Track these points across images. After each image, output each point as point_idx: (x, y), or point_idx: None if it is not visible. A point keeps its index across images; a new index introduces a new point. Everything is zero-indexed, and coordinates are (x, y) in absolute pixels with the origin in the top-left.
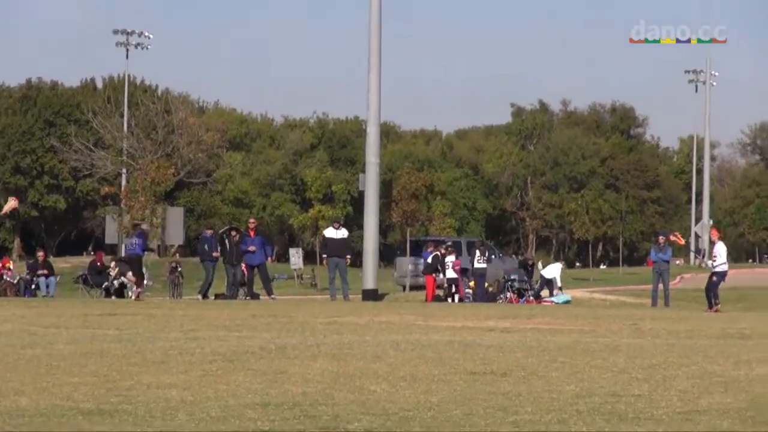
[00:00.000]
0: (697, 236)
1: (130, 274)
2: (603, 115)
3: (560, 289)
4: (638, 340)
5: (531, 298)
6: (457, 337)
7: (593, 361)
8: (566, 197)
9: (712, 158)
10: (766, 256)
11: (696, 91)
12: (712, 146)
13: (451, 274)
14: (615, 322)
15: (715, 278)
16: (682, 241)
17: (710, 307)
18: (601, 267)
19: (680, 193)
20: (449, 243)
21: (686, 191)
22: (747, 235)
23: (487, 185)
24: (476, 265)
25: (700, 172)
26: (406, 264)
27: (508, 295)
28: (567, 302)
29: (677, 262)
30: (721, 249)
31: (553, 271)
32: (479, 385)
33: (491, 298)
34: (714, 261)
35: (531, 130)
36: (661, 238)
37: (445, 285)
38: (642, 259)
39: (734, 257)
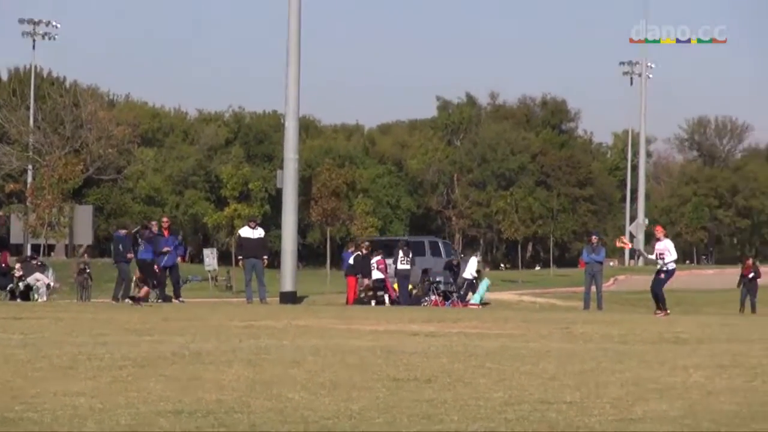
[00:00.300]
0: (632, 236)
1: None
2: (533, 108)
3: (476, 279)
4: (570, 345)
5: (457, 300)
6: (379, 341)
7: (522, 366)
8: (494, 195)
9: (648, 154)
10: (704, 257)
11: (631, 83)
12: (648, 142)
13: (377, 275)
14: (545, 325)
15: (663, 276)
16: (629, 246)
17: (659, 308)
18: (536, 269)
19: (614, 191)
20: (367, 242)
21: (620, 189)
22: (684, 234)
23: (411, 182)
24: (399, 266)
25: (635, 168)
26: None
27: (433, 297)
28: (487, 289)
29: (611, 263)
30: (670, 246)
31: (470, 268)
32: (402, 392)
33: (415, 301)
34: (663, 259)
35: (458, 124)
36: (594, 238)
37: (365, 286)
38: (574, 260)
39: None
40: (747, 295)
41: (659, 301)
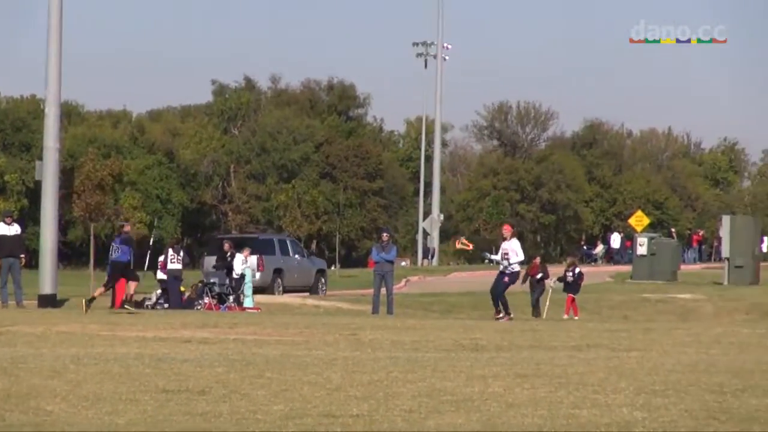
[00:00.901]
0: (425, 234)
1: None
2: (318, 93)
3: (242, 274)
4: (357, 353)
5: (233, 304)
6: (147, 349)
7: (305, 376)
8: (275, 188)
9: (444, 143)
10: None
11: (425, 66)
12: (444, 130)
13: (161, 275)
14: (330, 331)
15: (507, 279)
16: (470, 247)
17: (502, 312)
18: (332, 269)
19: (407, 184)
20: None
21: (413, 181)
22: (483, 231)
23: (183, 174)
24: (169, 266)
25: (429, 159)
26: (211, 263)
27: (207, 300)
28: (252, 277)
29: (402, 263)
30: (516, 246)
31: (238, 265)
32: (173, 404)
33: (188, 304)
34: (508, 260)
35: (235, 110)
36: (385, 236)
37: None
38: (362, 260)
39: (468, 258)
40: (538, 297)
41: (503, 305)
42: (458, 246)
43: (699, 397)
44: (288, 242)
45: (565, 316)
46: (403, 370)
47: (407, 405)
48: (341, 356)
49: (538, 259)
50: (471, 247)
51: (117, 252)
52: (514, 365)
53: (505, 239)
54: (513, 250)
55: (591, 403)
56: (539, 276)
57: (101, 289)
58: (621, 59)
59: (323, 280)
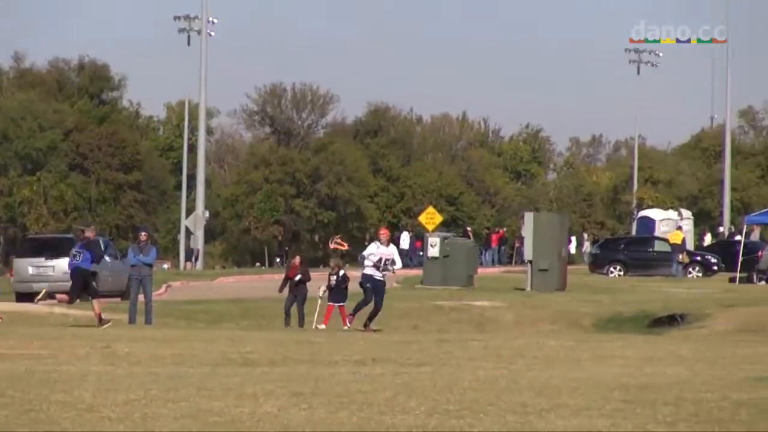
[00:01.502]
0: (189, 233)
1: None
2: (67, 73)
3: None
4: (111, 368)
5: None
6: None
7: (53, 395)
8: (18, 182)
9: (209, 131)
10: (278, 258)
11: (188, 43)
12: (209, 115)
13: None
14: (82, 344)
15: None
16: (346, 246)
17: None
18: None
19: (168, 176)
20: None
21: (175, 174)
22: (253, 230)
23: None
24: None
25: (193, 148)
26: (26, 266)
27: None
28: None
29: (163, 266)
30: (395, 251)
31: None
32: None
33: None
34: (393, 266)
35: None
36: (143, 235)
37: None
38: None
39: (236, 260)
40: (294, 302)
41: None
42: (332, 246)
43: (499, 418)
44: (101, 243)
45: (345, 327)
46: (163, 388)
47: (169, 427)
48: (94, 372)
49: (297, 259)
50: (347, 246)
51: (78, 257)
52: (289, 382)
53: (381, 244)
54: (395, 254)
55: (376, 425)
56: (298, 278)
57: (65, 297)
58: (411, 39)
59: None
